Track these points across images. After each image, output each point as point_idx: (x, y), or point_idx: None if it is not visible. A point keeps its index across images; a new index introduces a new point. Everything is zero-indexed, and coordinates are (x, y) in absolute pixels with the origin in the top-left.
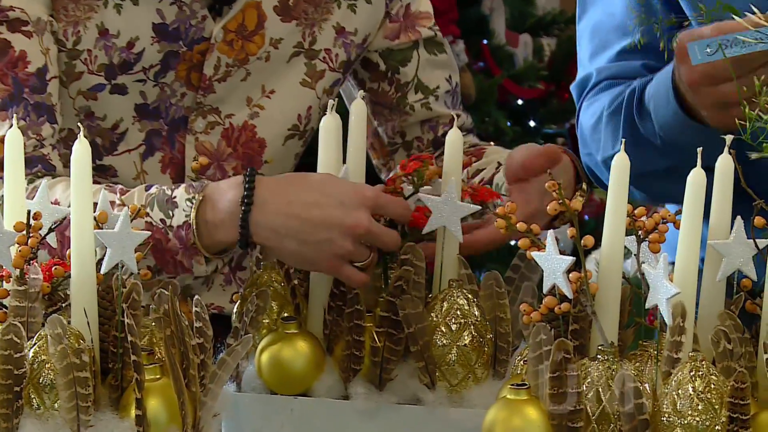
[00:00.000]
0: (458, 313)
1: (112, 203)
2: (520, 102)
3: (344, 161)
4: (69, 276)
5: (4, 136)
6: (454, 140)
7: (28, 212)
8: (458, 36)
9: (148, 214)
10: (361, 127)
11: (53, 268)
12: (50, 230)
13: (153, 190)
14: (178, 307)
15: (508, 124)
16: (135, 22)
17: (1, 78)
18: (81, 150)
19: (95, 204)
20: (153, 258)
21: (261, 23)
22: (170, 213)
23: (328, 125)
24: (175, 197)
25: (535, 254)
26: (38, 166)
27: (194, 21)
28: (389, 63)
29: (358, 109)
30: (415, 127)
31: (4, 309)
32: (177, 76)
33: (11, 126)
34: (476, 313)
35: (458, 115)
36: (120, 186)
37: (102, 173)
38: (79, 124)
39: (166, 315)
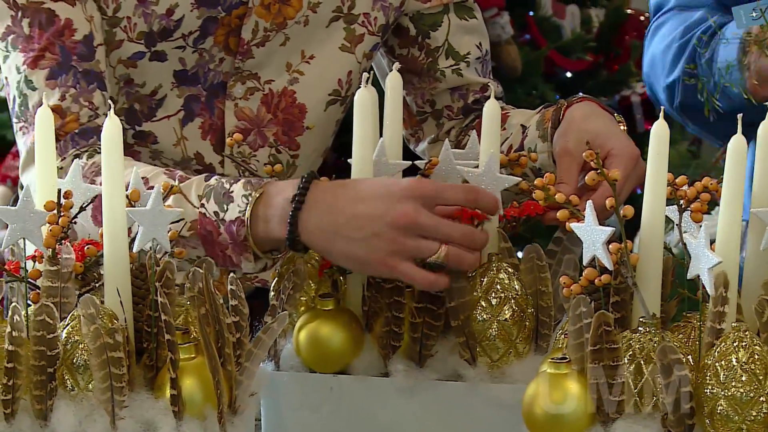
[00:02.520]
0: (498, 287)
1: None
2: (568, 74)
3: (380, 135)
4: (102, 255)
5: (56, 105)
6: (492, 111)
7: (59, 191)
8: (503, 8)
9: (203, 205)
10: (397, 100)
11: (86, 248)
12: (81, 209)
13: (212, 181)
14: (212, 285)
15: (556, 96)
16: None
17: (48, 47)
18: (111, 127)
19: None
20: (203, 249)
21: None
22: (225, 207)
23: (364, 98)
24: (232, 192)
25: (574, 225)
26: (94, 137)
27: None
28: (419, 27)
29: (394, 81)
30: (445, 94)
31: (36, 289)
32: (215, 42)
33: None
34: (517, 287)
35: (488, 84)
36: (180, 173)
37: (142, 140)
38: (110, 101)
39: (201, 293)
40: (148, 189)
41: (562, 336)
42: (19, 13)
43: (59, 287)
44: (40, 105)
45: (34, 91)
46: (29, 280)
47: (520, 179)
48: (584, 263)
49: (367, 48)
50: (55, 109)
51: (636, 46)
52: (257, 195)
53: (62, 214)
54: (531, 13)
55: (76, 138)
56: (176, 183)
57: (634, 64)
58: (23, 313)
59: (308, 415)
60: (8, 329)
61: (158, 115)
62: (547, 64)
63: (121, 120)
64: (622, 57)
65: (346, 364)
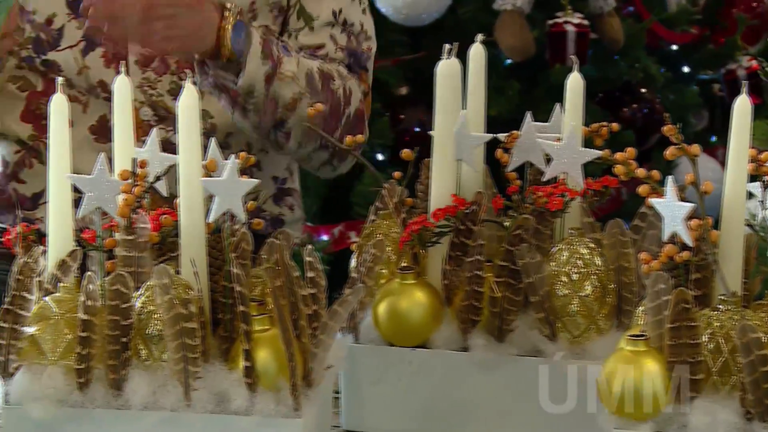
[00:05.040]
0: (579, 262)
1: None
2: (672, 47)
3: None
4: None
5: None
6: (574, 84)
7: (134, 160)
8: None
9: None
10: (479, 72)
11: (162, 217)
12: (157, 178)
13: None
14: (288, 257)
15: (660, 70)
16: None
17: None
18: (188, 100)
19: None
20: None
21: None
22: None
23: (446, 70)
24: None
25: (654, 201)
26: None
27: None
28: None
29: (477, 53)
30: None
31: (113, 259)
32: None
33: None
34: (598, 262)
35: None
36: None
37: (50, 68)
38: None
39: (277, 265)
40: None
41: (642, 313)
42: None
43: (135, 257)
44: None
45: None
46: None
47: (601, 152)
48: (664, 239)
49: None
50: None
51: (742, 20)
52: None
53: (137, 183)
54: None
55: None
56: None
57: (740, 37)
58: (98, 282)
59: (387, 388)
60: (83, 298)
61: (61, 44)
62: (651, 37)
63: (28, 48)
64: (729, 30)
65: (425, 338)
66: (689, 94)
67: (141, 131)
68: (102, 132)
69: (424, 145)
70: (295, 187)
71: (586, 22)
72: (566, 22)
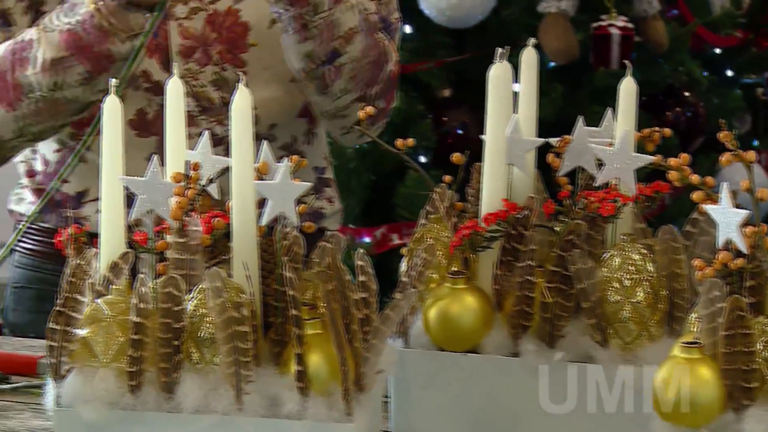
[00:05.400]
0: (631, 268)
1: (38, 35)
2: (716, 51)
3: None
4: (229, 228)
5: None
6: (627, 89)
7: (187, 162)
8: None
9: (59, 26)
10: (531, 76)
11: (214, 220)
12: (210, 181)
13: (59, 7)
14: (340, 261)
15: (704, 73)
16: None
17: None
18: (241, 101)
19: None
20: (79, 63)
21: None
22: (74, 12)
23: (498, 74)
24: (75, 1)
25: (708, 207)
26: None
27: None
28: None
29: (529, 57)
30: None
31: (164, 262)
32: None
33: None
34: (650, 268)
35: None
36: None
37: None
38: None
39: (329, 269)
40: (14, 45)
41: (695, 320)
42: None
43: (187, 259)
44: None
45: None
46: (159, 251)
47: (654, 157)
48: (718, 246)
49: None
50: None
51: None
52: None
53: (190, 186)
54: None
55: None
56: (39, 28)
57: None
58: (150, 285)
59: (437, 393)
60: (135, 300)
61: None
62: (694, 40)
63: None
64: None
65: (475, 343)
66: (732, 97)
67: None
68: (142, 126)
69: (466, 148)
70: (331, 177)
71: (630, 25)
72: (610, 25)
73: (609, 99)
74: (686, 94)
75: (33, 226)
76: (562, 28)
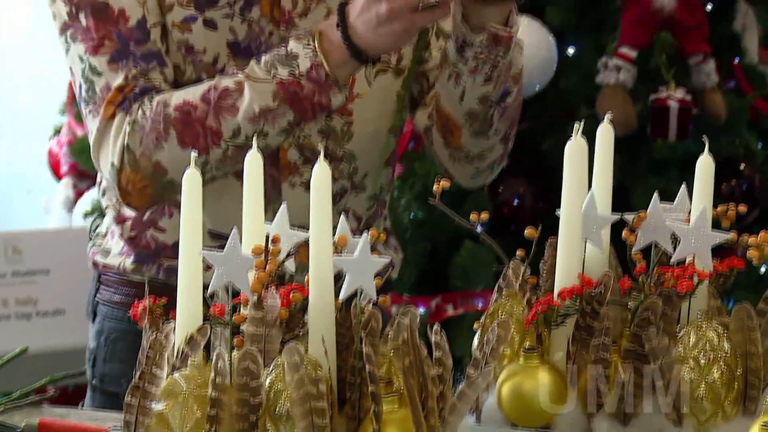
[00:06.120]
0: (707, 346)
1: (239, 84)
2: None
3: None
4: (307, 302)
5: (120, 84)
6: (705, 165)
7: (267, 236)
8: (709, 54)
9: (275, 75)
10: (608, 152)
11: (291, 294)
12: (288, 255)
13: (265, 57)
14: (417, 336)
15: (759, 145)
16: None
17: (106, 36)
18: (321, 174)
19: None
20: (293, 112)
21: None
22: (295, 64)
23: (574, 149)
24: (291, 50)
25: None
26: (152, 92)
27: None
28: None
29: (605, 134)
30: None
31: (240, 335)
32: (262, 12)
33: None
34: (726, 347)
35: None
36: (232, 70)
37: None
38: (319, 145)
39: (405, 344)
40: (207, 93)
41: None
42: (73, 8)
43: (264, 333)
44: (107, 87)
45: (99, 76)
46: (234, 324)
47: (731, 234)
48: None
49: None
50: (119, 88)
51: None
52: (316, 36)
53: (269, 259)
54: (737, 60)
55: (137, 96)
56: (241, 76)
57: None
58: (227, 358)
59: None
60: (213, 375)
61: None
62: (752, 113)
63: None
64: None
65: (549, 420)
66: None
67: (287, 171)
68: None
69: (522, 219)
70: (390, 226)
71: (688, 96)
72: (669, 97)
73: (667, 170)
74: (742, 166)
75: (124, 278)
76: (621, 99)
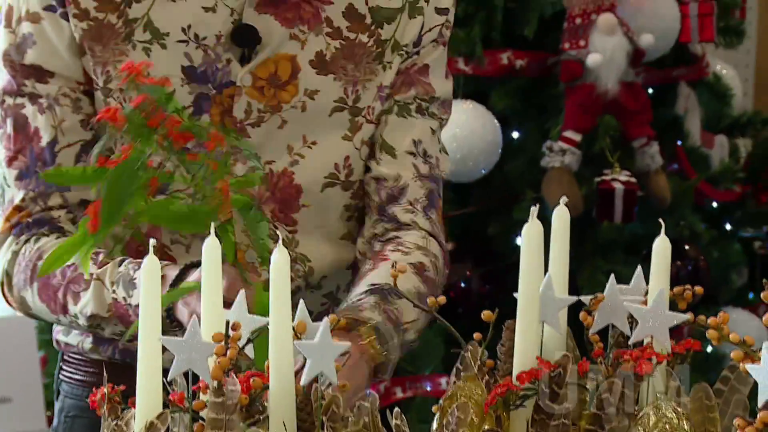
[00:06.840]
0: (667, 427)
1: (89, 278)
2: (714, 204)
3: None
4: (267, 387)
5: (18, 204)
6: (662, 247)
7: (227, 322)
8: (653, 137)
9: (114, 291)
10: (564, 235)
11: (251, 380)
12: (249, 341)
13: (122, 268)
14: (379, 420)
15: (703, 227)
16: (164, 64)
17: (21, 150)
18: (280, 259)
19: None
20: (123, 326)
21: (294, 74)
22: (130, 293)
23: (531, 232)
24: (135, 279)
25: (749, 367)
26: (46, 226)
27: (220, 65)
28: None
29: (562, 215)
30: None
31: (201, 421)
32: (212, 120)
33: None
34: (686, 426)
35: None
36: (100, 258)
37: None
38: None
39: (366, 428)
40: (67, 268)
41: None
42: (4, 113)
43: (224, 419)
44: (11, 201)
45: (8, 187)
46: (194, 411)
47: (688, 315)
48: (759, 406)
49: (365, 136)
50: (17, 207)
51: None
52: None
53: (230, 346)
54: (680, 143)
55: (30, 226)
56: (96, 272)
57: None
58: None
59: None
60: None
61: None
62: (696, 195)
63: None
64: None
65: None
66: (733, 252)
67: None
68: None
69: (469, 302)
70: None
71: (633, 179)
72: (614, 180)
73: (613, 253)
74: (686, 247)
75: (84, 357)
76: (566, 183)
